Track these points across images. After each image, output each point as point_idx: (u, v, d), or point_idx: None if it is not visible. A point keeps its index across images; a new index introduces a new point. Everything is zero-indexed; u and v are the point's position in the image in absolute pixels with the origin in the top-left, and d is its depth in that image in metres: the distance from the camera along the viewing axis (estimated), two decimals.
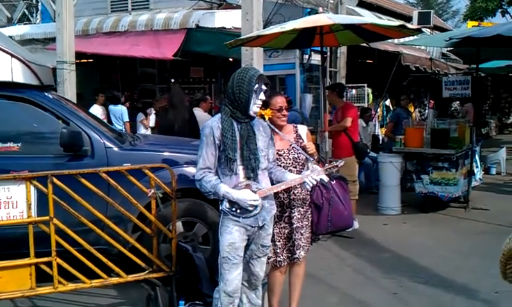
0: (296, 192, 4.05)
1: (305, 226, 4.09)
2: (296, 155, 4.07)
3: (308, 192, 4.08)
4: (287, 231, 4.08)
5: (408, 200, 8.36)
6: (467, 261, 5.70)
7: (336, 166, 3.95)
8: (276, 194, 3.91)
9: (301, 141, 4.16)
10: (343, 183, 4.26)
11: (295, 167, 4.04)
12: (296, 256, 4.09)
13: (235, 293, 3.63)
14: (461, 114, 14.39)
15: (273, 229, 3.93)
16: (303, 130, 4.25)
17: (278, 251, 4.07)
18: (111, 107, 11.18)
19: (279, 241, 4.07)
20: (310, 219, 4.12)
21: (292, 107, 9.18)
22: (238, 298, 3.70)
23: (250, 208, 3.53)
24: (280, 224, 4.06)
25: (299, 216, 4.06)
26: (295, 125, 4.29)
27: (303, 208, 4.08)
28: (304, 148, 4.10)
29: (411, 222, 7.61)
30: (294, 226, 4.05)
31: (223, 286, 3.60)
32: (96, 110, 10.54)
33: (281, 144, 4.07)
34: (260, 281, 3.90)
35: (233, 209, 3.56)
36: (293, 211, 4.06)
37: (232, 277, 3.59)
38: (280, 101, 4.09)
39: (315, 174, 3.76)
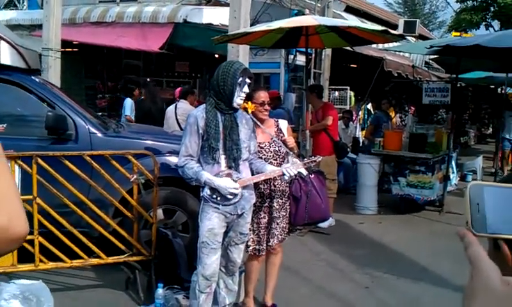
0: (275, 183, 4.18)
1: (282, 217, 4.22)
2: (276, 148, 4.20)
3: (287, 185, 4.22)
4: (265, 220, 4.21)
5: (385, 201, 8.55)
6: (437, 261, 5.88)
7: (315, 161, 4.11)
8: (256, 185, 4.04)
9: (281, 135, 4.30)
10: (321, 177, 4.41)
11: (275, 160, 4.17)
12: (270, 244, 4.22)
13: (213, 277, 3.75)
14: (446, 122, 14.65)
15: (254, 219, 4.07)
16: (283, 124, 4.39)
17: (259, 239, 4.20)
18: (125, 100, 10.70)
19: (259, 231, 4.19)
20: (288, 210, 4.26)
21: (280, 105, 9.36)
22: (215, 282, 3.83)
23: (230, 196, 3.65)
24: (260, 215, 4.18)
25: (278, 207, 4.19)
26: (276, 119, 4.43)
27: (281, 199, 4.22)
28: (284, 142, 4.23)
29: (386, 222, 7.80)
30: (272, 215, 4.18)
31: (201, 270, 3.72)
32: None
33: (263, 137, 4.20)
34: (237, 267, 4.02)
35: (214, 196, 3.68)
36: (272, 202, 4.19)
37: (210, 261, 3.71)
38: (262, 95, 4.22)
39: (294, 167, 3.90)
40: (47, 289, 3.44)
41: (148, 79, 13.02)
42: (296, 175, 3.98)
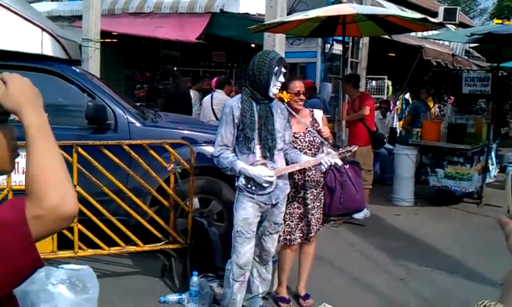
0: (310, 174, 4.19)
1: (317, 207, 4.23)
2: (311, 138, 4.21)
3: (322, 175, 4.22)
4: (300, 211, 4.23)
5: (421, 193, 8.44)
6: (474, 254, 5.79)
7: (350, 151, 4.09)
8: (291, 175, 4.06)
9: (316, 125, 4.30)
10: (356, 167, 4.40)
11: (310, 150, 4.17)
12: (311, 235, 4.24)
13: (247, 266, 3.79)
14: (486, 112, 14.31)
15: (287, 209, 4.09)
16: (318, 114, 4.38)
17: (291, 230, 4.22)
18: None
19: (292, 221, 4.22)
20: (322, 200, 4.26)
21: (316, 95, 9.31)
22: (249, 271, 3.87)
23: (265, 185, 3.68)
24: (294, 205, 4.20)
25: (312, 197, 4.21)
26: (311, 109, 4.43)
27: (316, 189, 4.23)
28: (319, 132, 4.23)
29: (423, 214, 7.71)
30: (308, 206, 4.20)
31: (235, 259, 3.77)
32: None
33: (298, 127, 4.21)
34: (270, 256, 4.06)
35: (249, 186, 3.71)
36: (307, 192, 4.20)
37: (244, 250, 3.75)
38: (298, 85, 4.22)
39: (329, 157, 3.90)
40: (94, 275, 3.54)
41: (175, 68, 13.15)
42: (331, 165, 3.98)
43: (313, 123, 4.31)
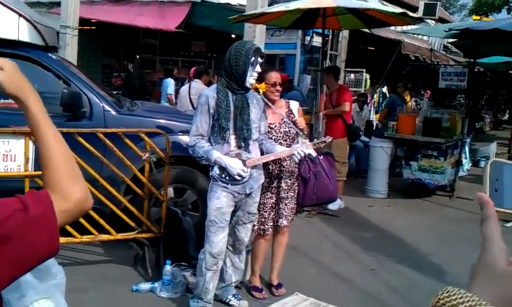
0: (285, 164, 4.24)
1: (290, 197, 4.29)
2: (286, 129, 4.25)
3: (296, 166, 4.27)
4: (273, 201, 4.28)
5: (395, 185, 8.56)
6: (445, 246, 5.92)
7: (324, 142, 4.16)
8: (265, 165, 4.11)
9: (292, 115, 4.34)
10: (330, 158, 4.46)
11: (285, 141, 4.22)
12: (279, 224, 4.29)
13: (220, 255, 3.84)
14: (464, 107, 14.50)
15: (261, 199, 4.14)
16: (294, 105, 4.43)
17: (264, 220, 4.27)
18: (164, 81, 10.91)
19: (265, 211, 4.27)
20: (296, 191, 4.32)
21: (294, 87, 9.35)
22: (222, 260, 3.92)
23: (238, 178, 3.72)
24: (267, 195, 4.25)
25: (286, 187, 4.26)
26: (287, 100, 4.48)
27: (290, 180, 4.28)
28: (295, 123, 4.28)
29: (395, 206, 7.83)
30: (280, 196, 4.25)
31: (208, 248, 3.81)
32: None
33: (273, 118, 4.25)
34: (244, 246, 4.11)
35: (223, 176, 3.75)
36: (281, 182, 4.25)
37: (218, 239, 3.79)
38: (274, 76, 4.26)
39: (303, 147, 3.95)
40: (55, 261, 3.54)
41: (138, 57, 13.32)
42: (305, 156, 4.04)
43: (289, 114, 4.35)
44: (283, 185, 4.27)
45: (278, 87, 4.29)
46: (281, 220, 4.30)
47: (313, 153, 4.08)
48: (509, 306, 0.64)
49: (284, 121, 4.27)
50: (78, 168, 1.21)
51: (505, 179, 0.78)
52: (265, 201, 4.26)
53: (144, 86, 11.92)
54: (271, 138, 4.17)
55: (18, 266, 1.04)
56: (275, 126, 4.25)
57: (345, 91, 7.54)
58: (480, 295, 0.65)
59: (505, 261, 0.69)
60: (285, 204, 4.28)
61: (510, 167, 0.80)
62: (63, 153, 1.18)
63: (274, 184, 4.27)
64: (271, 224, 4.31)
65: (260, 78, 4.13)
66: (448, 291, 0.67)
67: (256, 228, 4.29)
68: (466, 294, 0.65)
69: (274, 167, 4.24)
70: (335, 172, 4.55)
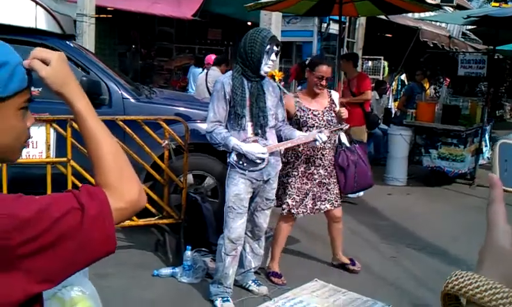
0: (324, 153, 4.32)
1: (332, 183, 4.39)
2: (329, 118, 4.30)
3: (333, 154, 4.37)
4: (307, 187, 4.33)
5: (415, 173, 8.49)
6: (465, 234, 5.85)
7: (341, 129, 4.18)
8: (303, 152, 4.22)
9: (333, 105, 4.37)
10: (363, 146, 4.56)
11: (327, 129, 4.24)
12: (321, 208, 4.40)
13: (238, 240, 3.84)
14: (486, 95, 14.31)
15: (296, 183, 4.24)
16: (335, 95, 4.47)
17: (295, 204, 4.31)
18: (193, 69, 10.53)
19: (298, 195, 4.32)
20: (335, 177, 4.39)
21: None
22: (241, 245, 3.92)
23: (258, 161, 3.71)
24: (303, 180, 4.32)
25: (326, 174, 4.35)
26: (329, 90, 4.48)
27: (329, 167, 4.36)
28: (337, 113, 4.34)
29: (415, 194, 7.77)
30: (322, 181, 4.34)
31: (227, 233, 3.82)
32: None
33: (317, 106, 4.30)
34: (263, 232, 4.12)
35: (240, 162, 3.74)
36: (319, 169, 4.32)
37: (236, 225, 3.80)
38: (323, 70, 4.26)
39: (322, 134, 3.94)
40: None
41: (133, 46, 13.56)
42: (342, 145, 4.31)
43: (331, 103, 4.38)
44: (321, 171, 4.34)
45: (324, 82, 4.29)
46: (324, 205, 4.39)
47: (324, 138, 4.03)
48: None
49: (327, 110, 4.32)
50: (129, 165, 1.18)
51: None
52: (300, 186, 4.32)
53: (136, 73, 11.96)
54: (314, 125, 4.21)
55: (73, 265, 1.04)
56: (318, 114, 4.28)
57: (365, 78, 7.48)
58: (488, 275, 0.67)
59: (509, 243, 0.70)
60: (328, 189, 4.37)
61: None
62: (113, 151, 1.16)
63: (310, 170, 4.33)
64: (302, 210, 4.34)
65: (311, 67, 4.21)
66: (456, 275, 0.69)
67: (286, 210, 4.32)
68: (474, 275, 0.68)
69: (312, 154, 4.29)
70: (367, 159, 4.63)
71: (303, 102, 4.33)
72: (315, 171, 4.30)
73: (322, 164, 4.31)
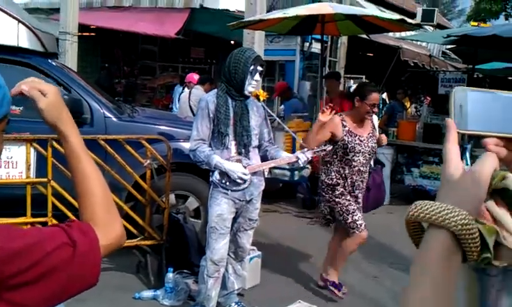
0: (365, 176, 4.39)
1: (359, 206, 4.48)
2: (373, 144, 4.38)
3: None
4: (356, 207, 4.40)
5: (397, 192, 8.54)
6: None
7: (324, 150, 4.15)
8: (350, 175, 4.30)
9: (374, 130, 4.48)
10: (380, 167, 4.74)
11: (370, 155, 4.35)
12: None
13: (221, 262, 3.81)
14: None
15: (355, 204, 4.33)
16: (376, 120, 4.59)
17: (358, 218, 4.34)
18: (178, 88, 10.45)
19: (355, 214, 4.34)
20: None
21: (293, 95, 9.33)
22: (223, 267, 3.89)
23: (239, 181, 3.69)
24: (351, 200, 4.40)
25: (360, 196, 4.43)
26: (371, 116, 4.50)
27: (363, 190, 4.47)
28: (378, 140, 4.44)
29: (397, 213, 7.77)
30: (360, 205, 4.44)
31: (210, 255, 3.78)
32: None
33: (362, 131, 4.35)
34: (245, 253, 4.09)
35: (223, 181, 3.73)
36: (359, 191, 4.41)
37: (219, 246, 3.77)
38: (376, 97, 4.34)
39: (305, 154, 3.92)
40: None
41: (107, 65, 13.69)
42: (370, 168, 4.46)
43: (373, 128, 4.44)
44: (360, 194, 4.43)
45: (375, 110, 4.39)
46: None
47: (306, 158, 4.02)
48: (465, 206, 0.77)
49: (370, 135, 4.38)
50: (113, 201, 1.22)
51: (469, 104, 0.85)
52: (354, 207, 4.35)
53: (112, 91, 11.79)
54: (361, 151, 4.27)
55: (58, 296, 1.05)
56: (364, 140, 4.33)
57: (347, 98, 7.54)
58: (444, 202, 0.79)
59: (460, 170, 0.82)
60: (360, 210, 4.46)
61: (472, 93, 0.86)
62: (102, 188, 1.19)
63: (356, 193, 4.40)
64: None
65: (362, 95, 4.23)
66: (416, 205, 0.82)
67: (362, 226, 4.32)
68: (431, 203, 0.80)
69: (356, 178, 4.35)
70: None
71: (349, 127, 4.34)
72: (359, 195, 4.42)
73: (362, 187, 4.41)
